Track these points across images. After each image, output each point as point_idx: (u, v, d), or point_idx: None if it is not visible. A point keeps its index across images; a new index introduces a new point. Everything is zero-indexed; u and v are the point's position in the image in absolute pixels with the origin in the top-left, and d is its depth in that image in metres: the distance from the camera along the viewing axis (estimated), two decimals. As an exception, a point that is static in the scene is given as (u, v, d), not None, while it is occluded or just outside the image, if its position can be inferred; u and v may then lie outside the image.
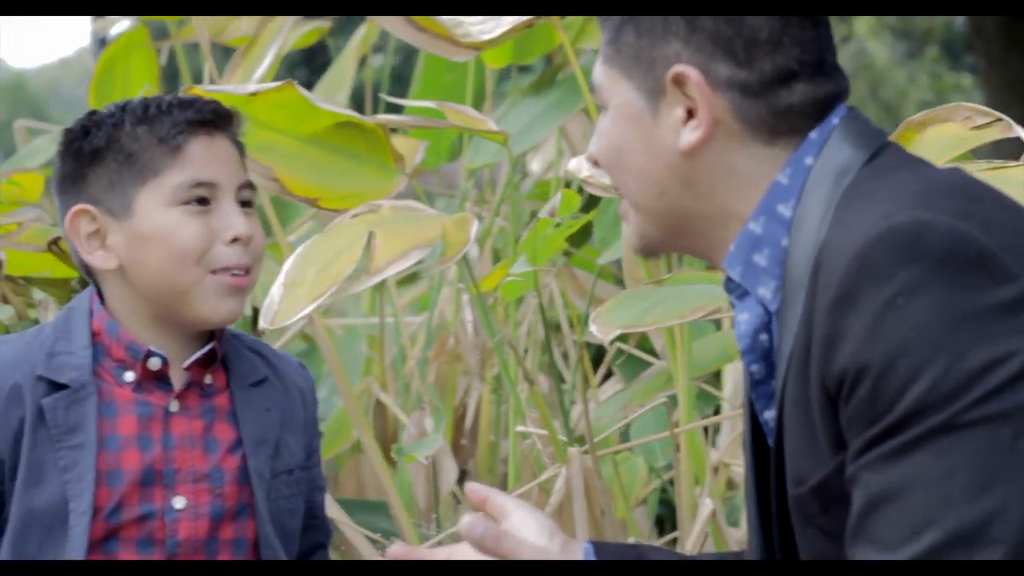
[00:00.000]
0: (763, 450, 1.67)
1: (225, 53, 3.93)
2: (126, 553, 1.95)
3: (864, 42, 13.88)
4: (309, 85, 4.30)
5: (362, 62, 4.45)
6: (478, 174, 4.05)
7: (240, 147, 2.06)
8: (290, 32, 3.44)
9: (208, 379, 2.03)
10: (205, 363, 2.02)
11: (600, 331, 2.36)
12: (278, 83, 2.67)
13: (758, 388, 1.66)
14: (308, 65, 12.80)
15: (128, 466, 1.95)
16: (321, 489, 2.20)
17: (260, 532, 2.02)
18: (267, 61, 3.41)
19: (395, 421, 3.63)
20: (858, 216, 1.50)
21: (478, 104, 4.11)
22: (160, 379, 2.00)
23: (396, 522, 3.07)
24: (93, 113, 2.01)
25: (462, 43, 2.82)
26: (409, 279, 4.73)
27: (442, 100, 3.40)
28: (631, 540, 2.78)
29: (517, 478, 2.94)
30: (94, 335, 2.00)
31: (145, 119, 1.97)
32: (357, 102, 4.78)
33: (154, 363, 1.98)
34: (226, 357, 2.06)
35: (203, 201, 1.97)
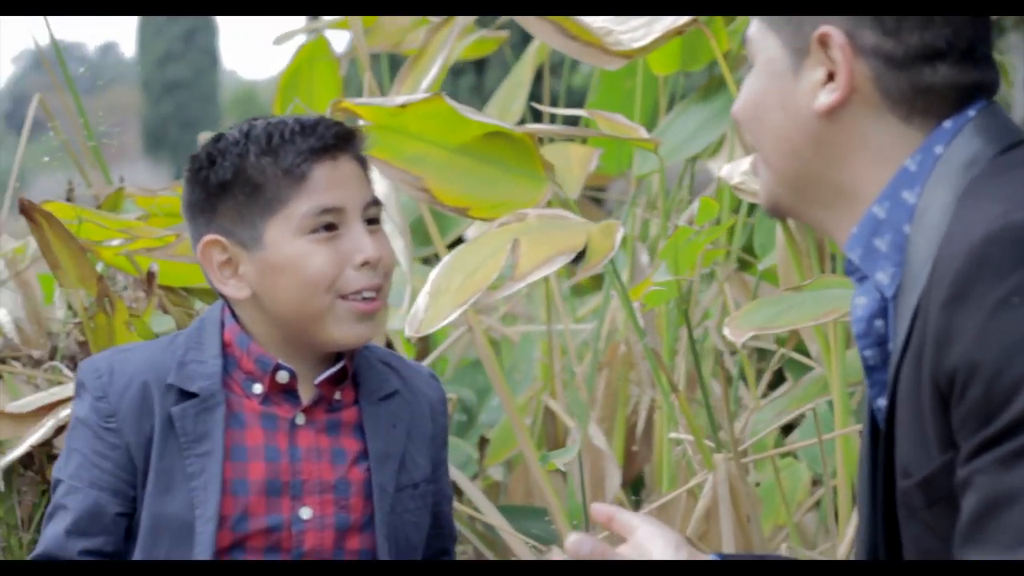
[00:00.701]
0: (878, 437, 1.66)
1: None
2: None
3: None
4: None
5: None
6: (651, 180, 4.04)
7: (364, 163, 2.08)
8: (456, 41, 3.48)
9: (337, 395, 2.07)
10: (335, 380, 2.06)
11: (732, 333, 2.36)
12: (427, 94, 2.72)
13: (872, 375, 1.65)
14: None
15: (254, 476, 2.00)
16: (448, 499, 2.23)
17: (377, 545, 2.05)
18: (433, 71, 3.46)
19: (565, 428, 3.65)
20: (977, 212, 1.48)
21: (654, 112, 4.10)
22: (288, 392, 2.04)
23: (556, 528, 3.10)
24: (218, 140, 2.04)
25: (613, 51, 2.83)
26: (596, 285, 4.75)
27: (618, 108, 3.42)
28: (784, 546, 2.76)
29: (672, 484, 2.93)
30: (225, 346, 2.05)
31: (269, 150, 1.99)
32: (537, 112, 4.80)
33: (282, 376, 2.02)
34: (357, 371, 2.10)
35: (331, 227, 2.00)
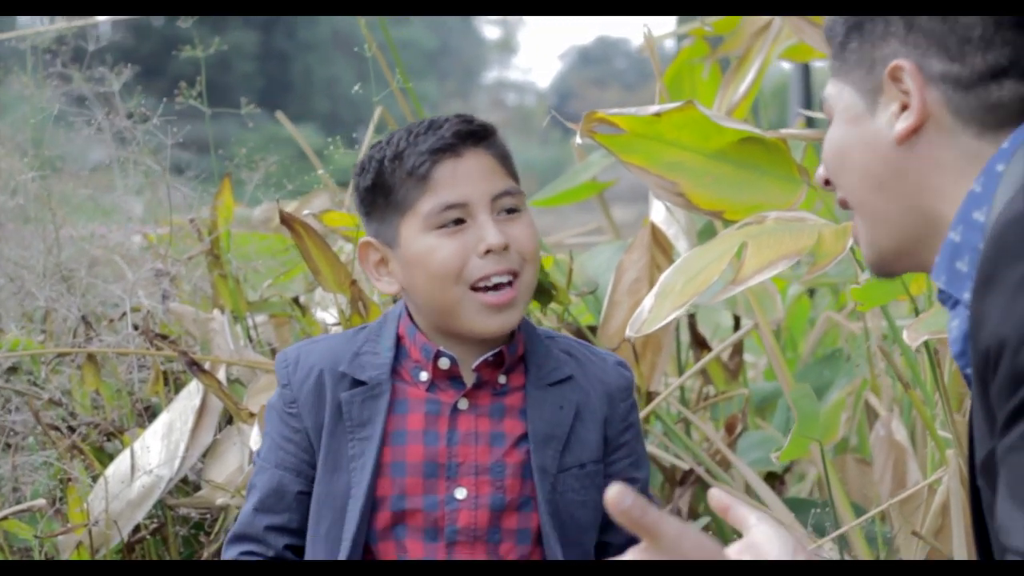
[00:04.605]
0: None
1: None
2: (412, 540, 2.16)
3: None
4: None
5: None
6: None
7: (501, 157, 2.18)
8: (773, 45, 3.56)
9: (502, 379, 2.20)
10: (498, 364, 2.20)
11: (909, 338, 2.38)
12: (679, 103, 2.84)
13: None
14: None
15: (411, 458, 2.16)
16: (629, 482, 2.21)
17: (541, 523, 2.17)
18: (751, 75, 3.56)
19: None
20: (1006, 205, 1.57)
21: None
22: (453, 378, 2.19)
23: (840, 520, 3.14)
24: (373, 147, 2.21)
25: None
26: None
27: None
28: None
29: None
30: (399, 338, 2.22)
31: (397, 154, 2.15)
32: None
33: (443, 363, 2.18)
34: (530, 358, 2.22)
35: (459, 221, 2.13)
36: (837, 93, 1.78)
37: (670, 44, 4.50)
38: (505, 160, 2.20)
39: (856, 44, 1.74)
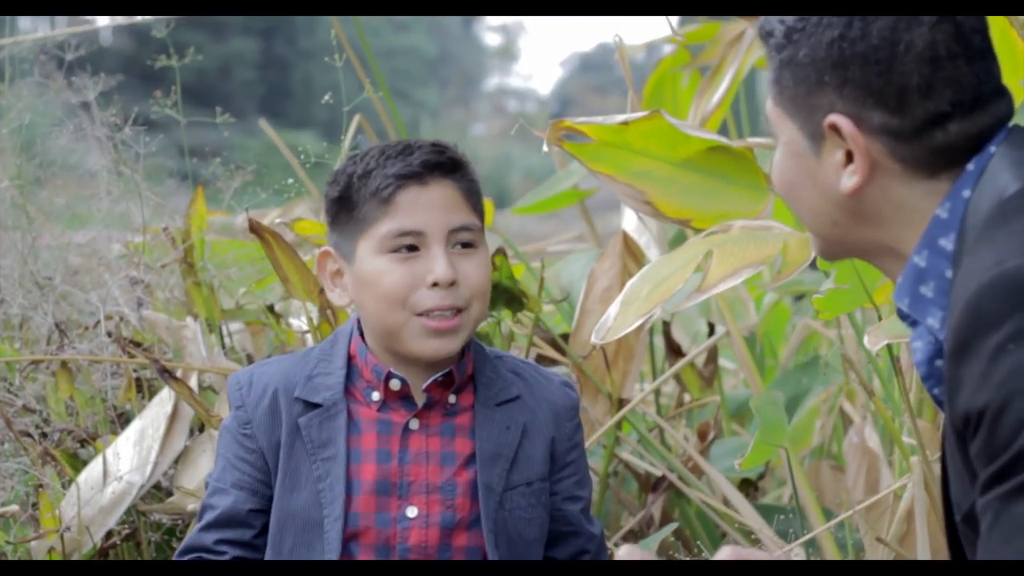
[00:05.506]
0: None
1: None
2: (364, 556, 2.19)
3: None
4: None
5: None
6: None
7: (467, 191, 2.20)
8: (747, 54, 3.58)
9: (452, 399, 2.24)
10: (448, 384, 2.23)
11: (870, 343, 2.41)
12: (647, 112, 2.86)
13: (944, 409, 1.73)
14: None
15: (365, 477, 2.19)
16: (574, 499, 2.33)
17: (486, 540, 2.21)
18: (724, 85, 3.58)
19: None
20: (978, 262, 1.57)
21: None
22: (404, 398, 2.22)
23: (810, 526, 3.16)
24: (348, 160, 2.25)
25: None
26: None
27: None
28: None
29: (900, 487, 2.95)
30: (350, 357, 2.25)
31: (365, 173, 2.18)
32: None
33: (394, 384, 2.21)
34: (479, 379, 2.26)
35: (413, 248, 2.16)
36: (779, 121, 1.77)
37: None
38: (471, 194, 2.22)
39: (790, 84, 1.72)
